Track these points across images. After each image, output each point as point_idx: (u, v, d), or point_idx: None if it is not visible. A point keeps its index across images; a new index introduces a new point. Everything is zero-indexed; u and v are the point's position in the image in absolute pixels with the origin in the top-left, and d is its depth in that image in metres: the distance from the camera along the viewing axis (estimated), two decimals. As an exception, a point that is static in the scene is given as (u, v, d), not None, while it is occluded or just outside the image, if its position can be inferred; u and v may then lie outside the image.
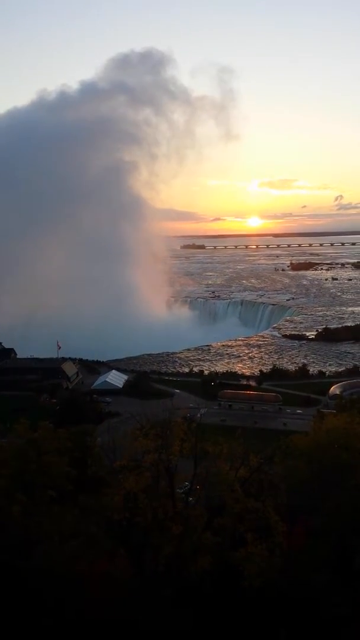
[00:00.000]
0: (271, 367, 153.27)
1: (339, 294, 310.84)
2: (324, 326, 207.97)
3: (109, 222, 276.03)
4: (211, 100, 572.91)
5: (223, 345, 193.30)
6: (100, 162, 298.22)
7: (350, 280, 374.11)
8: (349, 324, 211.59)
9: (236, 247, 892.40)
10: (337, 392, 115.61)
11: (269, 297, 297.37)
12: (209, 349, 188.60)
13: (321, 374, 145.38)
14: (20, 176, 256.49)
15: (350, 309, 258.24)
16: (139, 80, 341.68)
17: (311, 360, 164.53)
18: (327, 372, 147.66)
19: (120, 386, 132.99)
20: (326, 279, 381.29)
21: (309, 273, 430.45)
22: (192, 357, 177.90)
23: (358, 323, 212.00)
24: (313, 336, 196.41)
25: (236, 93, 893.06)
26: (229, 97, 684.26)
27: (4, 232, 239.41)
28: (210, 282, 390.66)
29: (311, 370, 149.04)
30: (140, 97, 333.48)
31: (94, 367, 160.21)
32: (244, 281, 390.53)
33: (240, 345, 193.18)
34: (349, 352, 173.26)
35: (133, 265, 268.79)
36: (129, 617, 30.35)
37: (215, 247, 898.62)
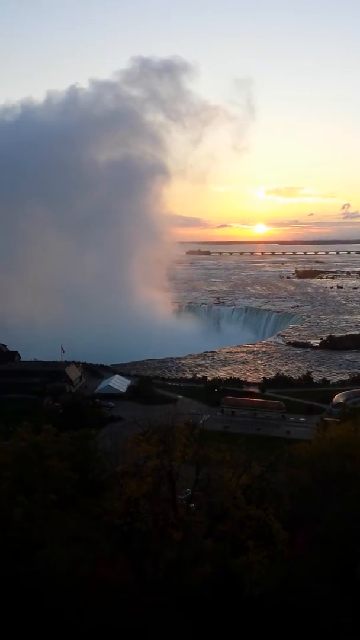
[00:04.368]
0: (275, 374, 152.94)
1: (344, 302, 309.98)
2: (328, 334, 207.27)
3: (114, 225, 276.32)
4: (225, 110, 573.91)
5: (227, 352, 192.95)
6: (107, 160, 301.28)
7: (355, 289, 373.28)
8: (353, 333, 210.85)
9: (241, 254, 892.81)
10: (341, 401, 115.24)
11: (273, 304, 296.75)
12: (213, 355, 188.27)
13: (325, 382, 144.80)
14: (27, 174, 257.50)
15: (355, 317, 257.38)
16: (156, 86, 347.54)
17: (315, 368, 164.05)
18: (331, 381, 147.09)
19: (124, 391, 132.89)
20: (331, 287, 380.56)
21: (314, 281, 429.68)
22: (195, 363, 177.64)
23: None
24: (317, 344, 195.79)
25: (253, 103, 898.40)
26: (247, 107, 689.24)
27: (9, 235, 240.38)
28: (215, 288, 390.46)
29: (315, 378, 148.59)
30: (155, 101, 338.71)
31: (97, 371, 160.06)
32: (248, 288, 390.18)
33: (244, 352, 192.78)
34: (353, 361, 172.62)
35: (138, 271, 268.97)
36: (128, 623, 30.19)
37: (220, 253, 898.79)
